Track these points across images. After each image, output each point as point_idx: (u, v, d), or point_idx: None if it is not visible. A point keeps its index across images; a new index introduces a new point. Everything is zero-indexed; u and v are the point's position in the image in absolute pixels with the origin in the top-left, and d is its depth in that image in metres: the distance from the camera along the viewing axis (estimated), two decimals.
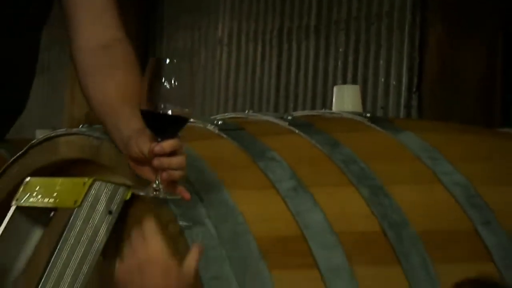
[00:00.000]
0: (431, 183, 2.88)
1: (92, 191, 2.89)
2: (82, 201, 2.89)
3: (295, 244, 2.68)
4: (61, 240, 2.88)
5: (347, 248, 2.67)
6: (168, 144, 2.50)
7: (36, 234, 3.16)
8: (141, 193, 2.66)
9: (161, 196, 2.60)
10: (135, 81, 2.65)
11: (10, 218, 3.14)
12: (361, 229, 2.74)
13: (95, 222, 2.89)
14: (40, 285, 2.86)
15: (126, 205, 2.92)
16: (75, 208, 2.89)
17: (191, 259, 2.28)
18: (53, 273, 2.87)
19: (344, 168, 2.86)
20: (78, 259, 2.88)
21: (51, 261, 2.87)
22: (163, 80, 2.51)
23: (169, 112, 2.48)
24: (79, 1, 2.79)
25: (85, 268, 2.88)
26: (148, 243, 2.23)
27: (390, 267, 2.67)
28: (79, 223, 2.88)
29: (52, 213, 3.09)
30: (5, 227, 3.14)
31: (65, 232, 2.89)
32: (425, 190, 2.87)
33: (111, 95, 2.70)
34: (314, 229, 2.70)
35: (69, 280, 2.87)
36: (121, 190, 2.90)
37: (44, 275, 2.87)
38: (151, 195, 2.61)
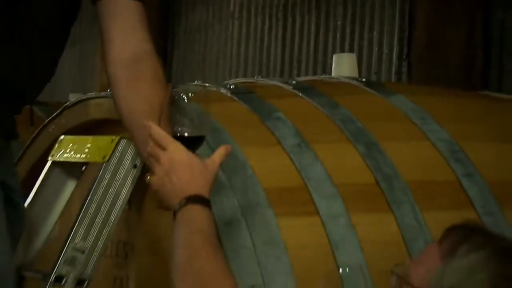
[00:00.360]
0: (419, 140, 2.87)
1: (119, 148, 2.89)
2: (110, 156, 2.89)
3: (299, 194, 2.68)
4: (91, 192, 2.88)
5: (345, 198, 2.67)
6: None
7: (70, 186, 3.16)
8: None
9: None
10: (160, 95, 2.58)
11: (46, 171, 3.14)
12: (357, 181, 2.74)
13: (122, 175, 2.89)
14: (72, 232, 2.86)
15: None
16: (103, 163, 2.90)
17: (217, 155, 2.30)
18: (84, 221, 2.87)
19: (342, 127, 2.86)
20: (107, 209, 2.88)
21: (82, 211, 2.88)
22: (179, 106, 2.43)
23: (186, 134, 2.39)
24: (114, 15, 2.73)
25: (112, 217, 2.88)
26: (168, 149, 2.23)
27: (383, 214, 2.67)
28: (107, 176, 2.88)
29: (83, 167, 3.09)
30: (42, 180, 3.14)
31: (94, 185, 2.89)
32: (414, 146, 2.87)
33: (138, 109, 2.64)
34: (316, 181, 2.69)
35: (98, 227, 2.87)
36: None
37: (76, 223, 2.87)
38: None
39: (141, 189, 2.92)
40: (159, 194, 2.28)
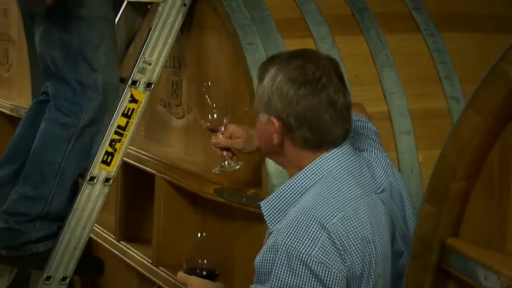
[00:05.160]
0: None
1: None
2: None
3: (298, 23, 2.64)
4: (154, 22, 2.86)
5: (330, 25, 2.63)
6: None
7: (139, 19, 3.15)
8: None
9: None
10: None
11: (123, 9, 3.12)
12: (339, 13, 2.69)
13: (175, 11, 2.87)
14: (142, 50, 2.85)
15: (193, 3, 2.89)
16: (163, 2, 2.87)
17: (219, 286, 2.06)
18: (150, 42, 2.85)
19: None
20: (166, 33, 2.86)
21: (149, 35, 2.86)
22: None
23: (204, 272, 2.09)
24: None
25: (170, 39, 2.86)
26: (190, 283, 2.03)
27: (357, 36, 2.64)
28: (165, 11, 2.86)
29: (149, 6, 3.07)
30: (121, 15, 3.13)
31: (157, 17, 2.87)
32: None
33: None
34: (310, 13, 2.66)
35: (160, 46, 2.86)
36: None
37: (145, 44, 2.85)
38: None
39: (189, 19, 2.92)
40: None
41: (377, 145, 2.13)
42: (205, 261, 2.07)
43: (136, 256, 3.21)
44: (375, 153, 2.07)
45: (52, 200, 2.83)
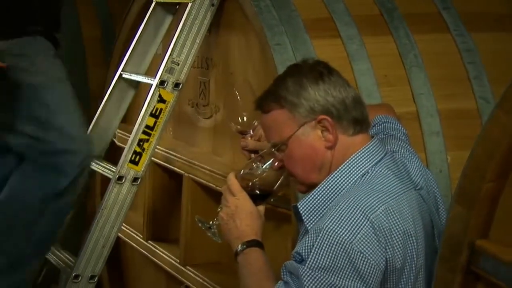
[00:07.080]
0: None
1: None
2: None
3: (327, 23, 2.64)
4: (183, 22, 2.88)
5: (358, 25, 2.63)
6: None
7: (168, 19, 3.16)
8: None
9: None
10: None
11: (152, 10, 3.13)
12: (367, 13, 2.68)
13: (204, 11, 2.88)
14: (170, 50, 2.86)
15: (222, 3, 2.90)
16: (191, 2, 2.89)
17: (261, 208, 2.04)
18: (178, 42, 2.86)
19: None
20: (194, 33, 2.87)
21: (177, 35, 2.87)
22: None
23: (257, 191, 2.05)
24: None
25: (198, 39, 2.88)
26: (238, 197, 2.01)
27: (385, 36, 2.63)
28: (194, 11, 2.88)
29: (177, 6, 3.08)
30: (150, 15, 3.13)
31: (185, 17, 2.88)
32: None
33: None
34: (338, 13, 2.66)
35: (188, 47, 2.88)
36: None
37: (173, 44, 2.86)
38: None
39: (217, 19, 2.92)
40: (222, 228, 2.03)
41: (407, 146, 2.13)
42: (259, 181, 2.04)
43: (164, 255, 3.22)
44: (406, 153, 2.07)
45: None
